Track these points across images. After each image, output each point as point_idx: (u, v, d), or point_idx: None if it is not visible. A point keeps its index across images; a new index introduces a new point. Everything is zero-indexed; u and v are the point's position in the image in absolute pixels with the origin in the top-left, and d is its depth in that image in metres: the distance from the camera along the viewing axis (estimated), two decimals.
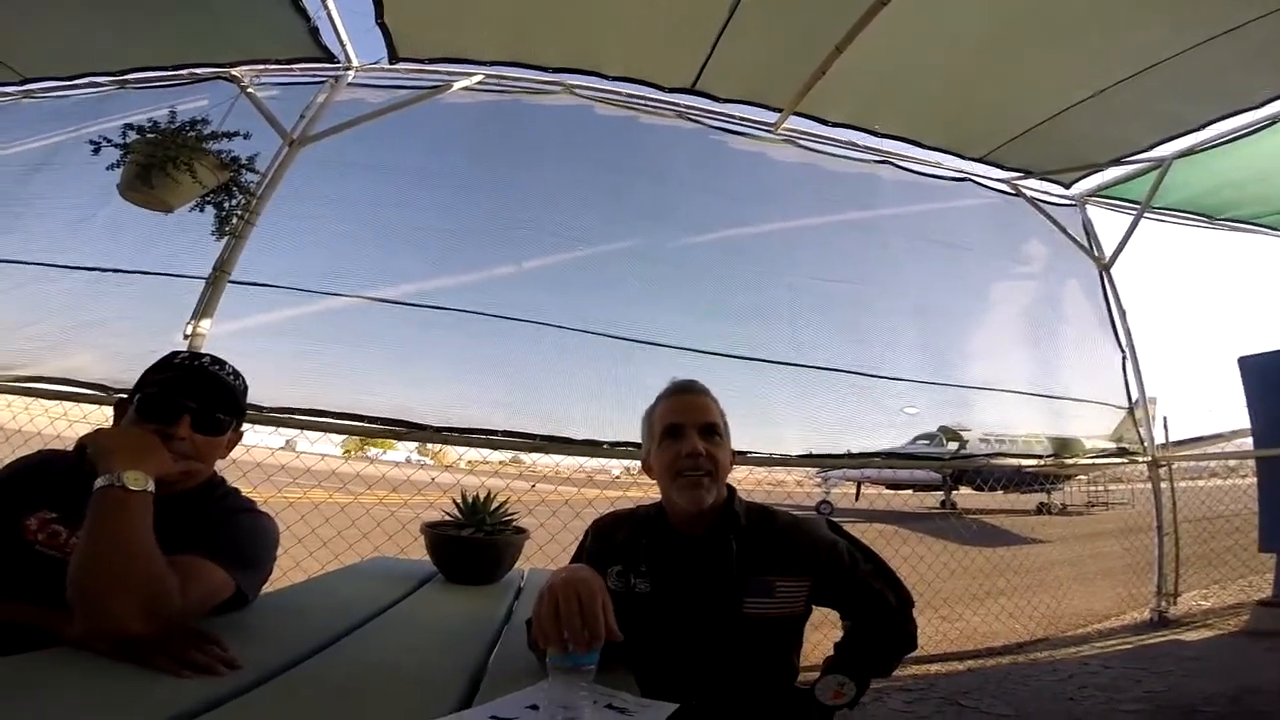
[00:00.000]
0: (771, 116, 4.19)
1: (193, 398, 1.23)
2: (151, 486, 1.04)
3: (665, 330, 3.84)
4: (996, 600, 4.35)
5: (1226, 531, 4.68)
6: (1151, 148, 4.22)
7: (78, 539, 1.00)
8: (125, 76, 3.74)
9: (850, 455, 4.02)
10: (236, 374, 1.34)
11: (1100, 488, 16.28)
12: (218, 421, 1.28)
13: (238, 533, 1.24)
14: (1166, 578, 4.26)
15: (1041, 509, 15.50)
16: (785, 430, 3.85)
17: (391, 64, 3.76)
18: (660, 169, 4.27)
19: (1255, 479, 4.35)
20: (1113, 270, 4.89)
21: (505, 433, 3.36)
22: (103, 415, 2.88)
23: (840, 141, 4.46)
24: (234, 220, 3.03)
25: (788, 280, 4.25)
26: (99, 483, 1.00)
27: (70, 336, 3.22)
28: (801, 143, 4.46)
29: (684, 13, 3.25)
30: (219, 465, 1.38)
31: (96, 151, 2.69)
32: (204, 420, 1.24)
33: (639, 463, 1.52)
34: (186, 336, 3.04)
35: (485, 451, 3.38)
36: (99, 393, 2.99)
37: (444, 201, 3.85)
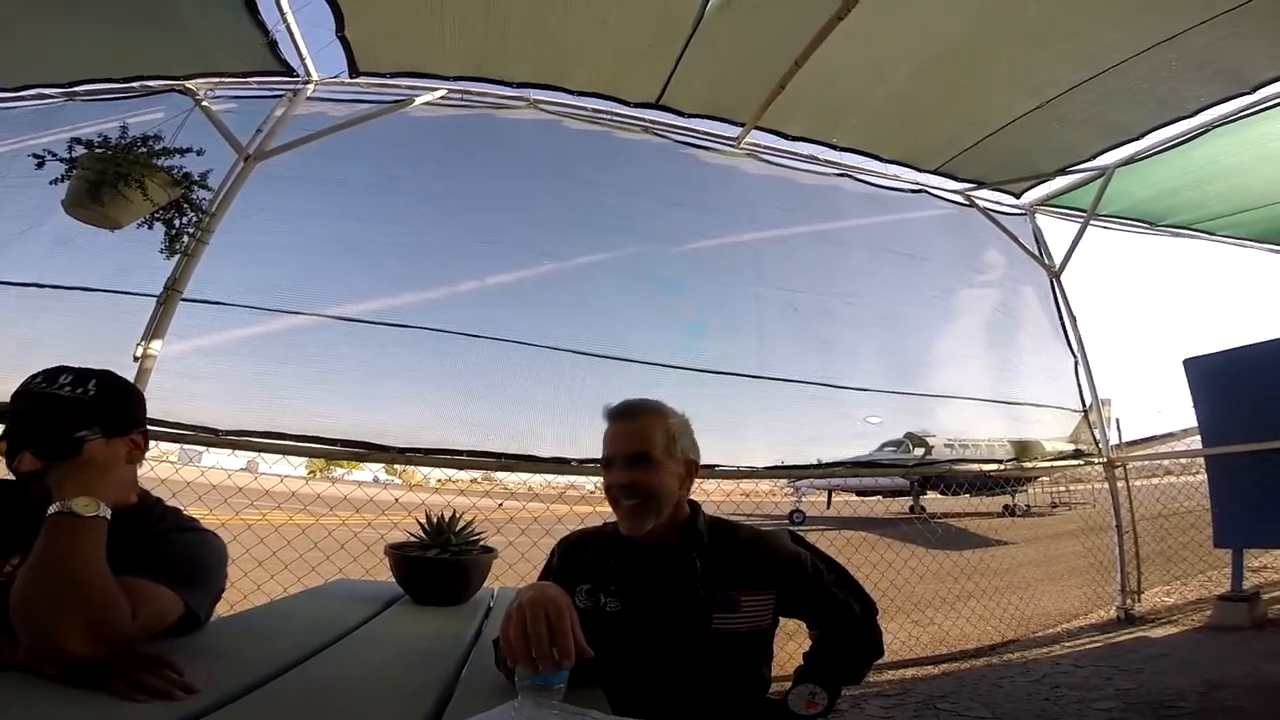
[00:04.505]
0: (734, 131, 4.25)
1: (26, 429, 1.13)
2: (105, 512, 1.03)
3: (633, 345, 3.84)
4: (967, 603, 4.40)
5: (1183, 528, 4.82)
6: (1095, 157, 4.39)
7: (13, 565, 0.99)
8: (74, 88, 3.62)
9: (818, 465, 4.05)
10: (81, 381, 1.19)
11: (1063, 488, 16.72)
12: (64, 442, 1.12)
13: (182, 551, 1.20)
14: (1129, 576, 4.37)
15: (1007, 511, 15.86)
16: (753, 442, 3.88)
17: (352, 78, 3.71)
18: (629, 183, 4.28)
19: (1206, 476, 4.50)
20: (1062, 277, 5.07)
21: (471, 452, 3.30)
22: None
23: (801, 155, 4.55)
24: (185, 238, 2.94)
25: (754, 292, 4.30)
26: (50, 509, 1.00)
27: (8, 357, 3.08)
28: (764, 157, 4.54)
29: (648, 28, 3.28)
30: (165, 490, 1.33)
31: (40, 166, 2.59)
32: (45, 447, 1.12)
33: None
34: (137, 358, 2.93)
35: (452, 470, 3.32)
36: None
37: (407, 217, 3.81)
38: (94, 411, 1.17)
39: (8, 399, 1.18)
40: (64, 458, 1.11)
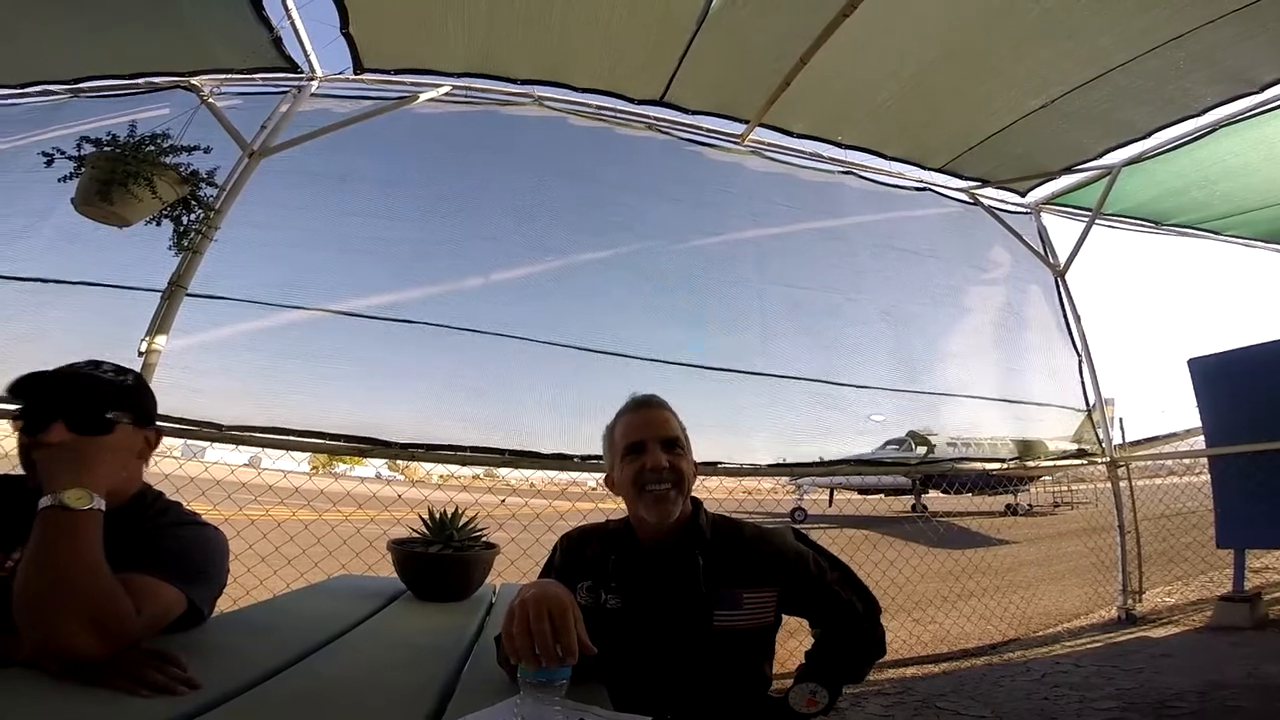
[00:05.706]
0: (738, 128, 4.25)
1: (63, 401, 1.13)
2: (99, 504, 1.00)
3: (637, 342, 3.84)
4: (968, 602, 4.40)
5: (1185, 529, 4.80)
6: (1101, 155, 4.37)
7: (14, 560, 0.97)
8: (79, 84, 3.63)
9: (821, 463, 4.04)
10: (121, 371, 1.25)
11: (1065, 488, 16.68)
12: (99, 420, 1.13)
13: (184, 546, 1.19)
14: (1131, 575, 4.36)
15: (1009, 510, 15.84)
16: (756, 439, 3.87)
17: (356, 74, 3.72)
18: (632, 179, 4.28)
19: (1209, 476, 4.48)
20: (1067, 276, 5.05)
21: (473, 448, 3.30)
22: None
23: (805, 153, 4.55)
24: (192, 235, 2.95)
25: (758, 289, 4.29)
26: (41, 503, 0.98)
27: (8, 351, 3.08)
28: (768, 154, 4.54)
29: (652, 25, 3.28)
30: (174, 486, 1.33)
31: (50, 163, 2.59)
32: (81, 421, 1.11)
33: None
34: (141, 353, 2.94)
35: (455, 467, 3.33)
36: None
37: (410, 213, 3.81)
38: (131, 398, 1.21)
39: (6, 393, 1.16)
40: (95, 433, 1.12)
